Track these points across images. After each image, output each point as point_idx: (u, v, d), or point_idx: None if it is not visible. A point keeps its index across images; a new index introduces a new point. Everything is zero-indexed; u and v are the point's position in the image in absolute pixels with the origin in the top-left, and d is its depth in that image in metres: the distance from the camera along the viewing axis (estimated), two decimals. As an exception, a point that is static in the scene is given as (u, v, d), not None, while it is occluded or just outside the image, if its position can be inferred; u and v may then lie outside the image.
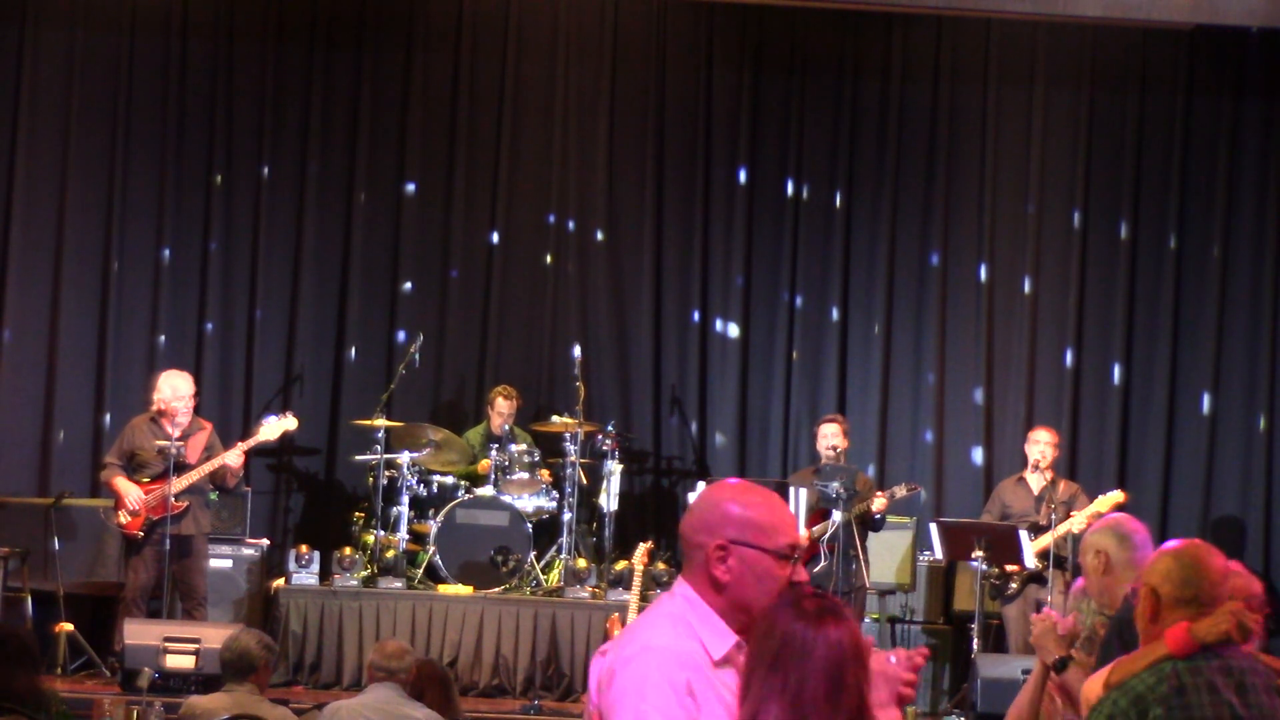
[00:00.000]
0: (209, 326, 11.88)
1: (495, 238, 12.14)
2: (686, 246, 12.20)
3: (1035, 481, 10.70)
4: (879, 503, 10.41)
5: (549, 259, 12.16)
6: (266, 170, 11.97)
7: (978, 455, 12.06)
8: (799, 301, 12.18)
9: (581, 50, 12.16)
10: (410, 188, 12.09)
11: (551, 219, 12.16)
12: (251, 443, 10.32)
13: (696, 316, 12.15)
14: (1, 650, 5.91)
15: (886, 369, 12.12)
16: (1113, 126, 12.20)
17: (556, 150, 12.14)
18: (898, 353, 12.17)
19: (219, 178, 11.89)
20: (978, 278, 12.18)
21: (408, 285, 12.08)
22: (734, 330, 12.15)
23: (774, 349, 12.13)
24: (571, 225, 12.15)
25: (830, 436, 10.73)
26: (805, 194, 12.20)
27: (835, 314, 12.15)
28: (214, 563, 10.47)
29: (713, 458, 12.08)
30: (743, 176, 12.18)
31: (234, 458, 9.96)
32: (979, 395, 12.11)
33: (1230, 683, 3.75)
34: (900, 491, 10.54)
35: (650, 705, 3.10)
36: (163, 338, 11.82)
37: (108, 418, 11.61)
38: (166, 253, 11.86)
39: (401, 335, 11.91)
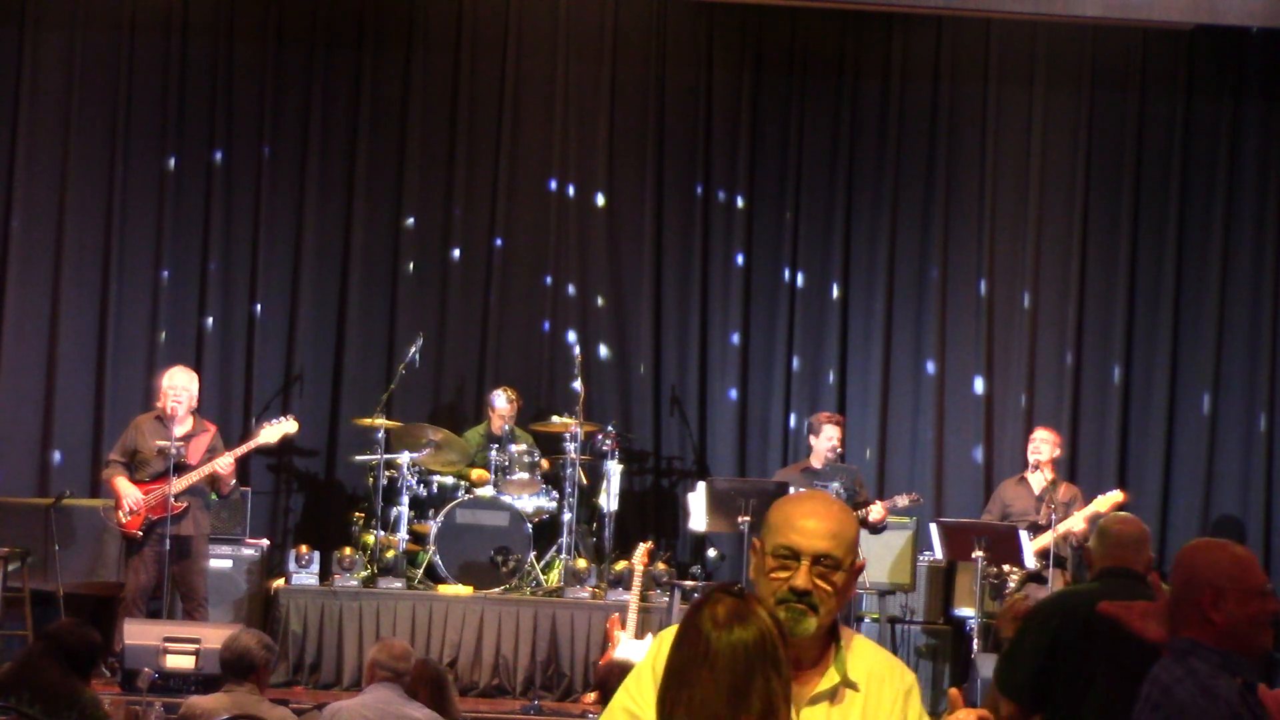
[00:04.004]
0: (209, 326, 11.88)
1: (496, 238, 12.13)
2: (687, 243, 12.20)
3: (1036, 481, 10.71)
4: (878, 512, 10.41)
5: (550, 257, 12.16)
6: (266, 169, 11.96)
7: (978, 454, 12.06)
8: (799, 307, 12.17)
9: (581, 50, 12.16)
10: (410, 187, 12.08)
11: (551, 218, 12.16)
12: (242, 450, 10.31)
13: (697, 313, 12.14)
14: (47, 650, 5.93)
15: (887, 359, 12.11)
16: (1113, 126, 12.21)
17: (556, 150, 12.14)
18: (898, 346, 12.17)
19: (220, 156, 11.92)
20: (978, 278, 12.17)
21: (408, 286, 12.06)
22: (735, 322, 12.15)
23: (774, 345, 12.13)
24: (571, 224, 12.16)
25: (834, 439, 10.73)
26: (804, 193, 12.19)
27: (835, 310, 12.15)
28: (214, 563, 10.46)
29: (713, 458, 12.07)
30: (743, 176, 12.17)
31: (224, 466, 9.93)
32: (979, 386, 12.11)
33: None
34: (902, 501, 10.57)
35: (626, 685, 3.19)
36: (163, 338, 11.81)
37: (108, 418, 11.60)
38: (166, 253, 11.85)
39: (401, 336, 11.89)
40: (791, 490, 9.93)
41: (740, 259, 12.17)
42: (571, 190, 12.15)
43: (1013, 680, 5.18)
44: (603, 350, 12.10)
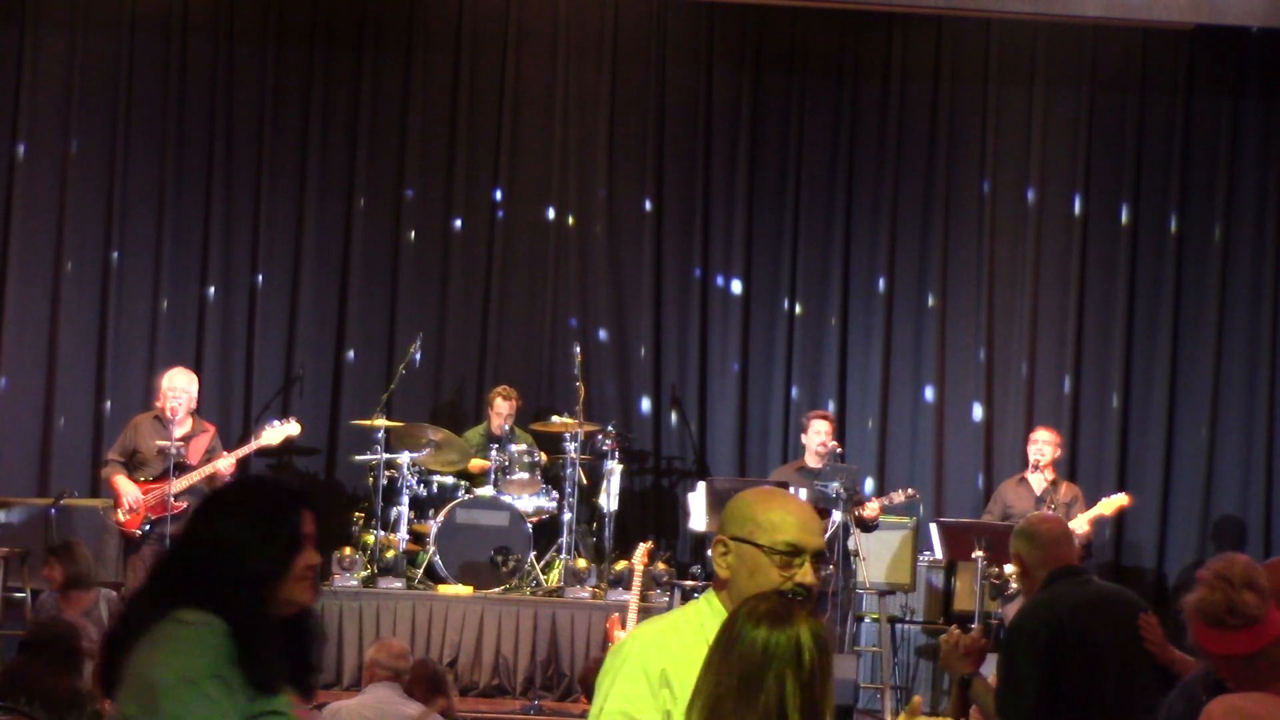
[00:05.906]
0: (209, 327, 11.88)
1: (495, 238, 12.13)
2: (687, 245, 12.19)
3: (1037, 482, 10.71)
4: (873, 508, 10.39)
5: (550, 259, 12.16)
6: (266, 171, 11.97)
7: (980, 479, 12.03)
8: (798, 307, 12.16)
9: (582, 50, 12.16)
10: (410, 189, 12.08)
11: (551, 219, 12.16)
12: (245, 450, 10.32)
13: (697, 315, 12.14)
14: (45, 653, 5.93)
15: (886, 386, 12.08)
16: (1113, 126, 12.20)
17: (557, 150, 12.14)
18: (896, 372, 12.14)
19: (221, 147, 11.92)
20: (978, 277, 12.16)
21: (408, 285, 12.06)
22: (734, 330, 12.15)
23: (773, 351, 12.13)
24: (572, 225, 12.16)
25: (822, 433, 10.71)
26: (804, 193, 12.19)
27: (834, 313, 12.14)
28: (214, 563, 10.43)
29: (713, 458, 12.07)
30: (743, 176, 12.17)
31: (225, 465, 9.94)
32: (978, 412, 12.10)
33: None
34: (899, 497, 10.54)
35: (616, 688, 3.22)
36: (162, 338, 11.82)
37: (107, 418, 11.61)
38: (166, 253, 11.86)
39: (401, 335, 11.88)
40: (792, 490, 9.93)
41: (740, 257, 12.15)
42: (572, 191, 12.13)
43: (1020, 705, 5.15)
44: (607, 359, 12.10)
